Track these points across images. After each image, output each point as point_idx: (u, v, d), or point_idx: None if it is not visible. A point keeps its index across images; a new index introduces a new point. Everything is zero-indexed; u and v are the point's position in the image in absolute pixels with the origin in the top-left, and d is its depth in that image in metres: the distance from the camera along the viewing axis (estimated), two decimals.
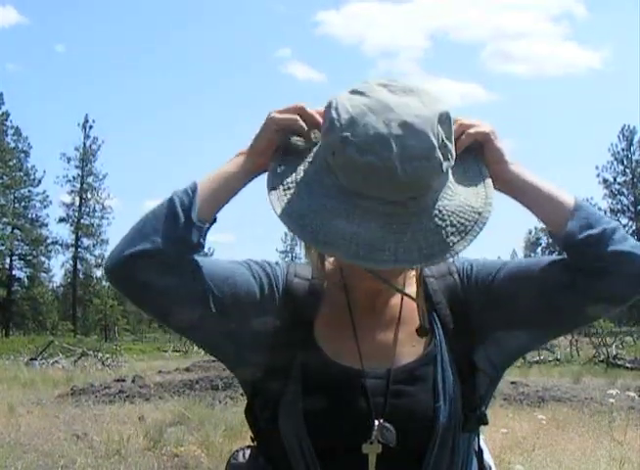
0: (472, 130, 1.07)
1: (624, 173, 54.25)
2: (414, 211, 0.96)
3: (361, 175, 0.95)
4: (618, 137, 54.16)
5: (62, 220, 52.14)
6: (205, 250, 1.12)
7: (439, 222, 0.97)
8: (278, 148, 1.08)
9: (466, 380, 1.09)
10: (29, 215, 49.90)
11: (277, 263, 1.19)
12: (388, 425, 1.03)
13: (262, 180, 1.10)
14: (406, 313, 1.14)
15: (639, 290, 1.06)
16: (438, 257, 0.97)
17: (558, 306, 1.05)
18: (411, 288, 1.16)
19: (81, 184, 52.10)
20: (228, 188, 1.10)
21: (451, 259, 1.10)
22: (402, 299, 1.14)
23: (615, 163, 54.10)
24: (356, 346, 1.10)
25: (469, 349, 1.11)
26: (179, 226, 1.04)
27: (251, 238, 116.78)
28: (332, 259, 1.17)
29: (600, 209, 53.91)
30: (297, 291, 1.14)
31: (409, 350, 1.11)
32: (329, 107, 1.00)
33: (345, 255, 0.95)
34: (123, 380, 13.20)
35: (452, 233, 0.97)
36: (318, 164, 1.03)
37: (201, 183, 1.08)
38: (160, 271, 1.04)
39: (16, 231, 48.56)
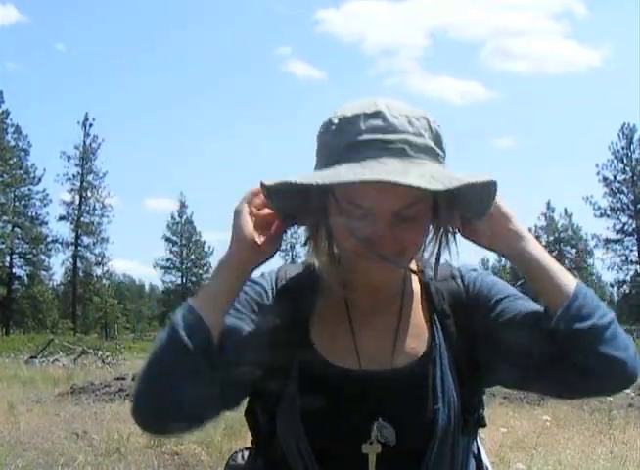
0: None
1: (624, 172, 54.19)
2: (415, 154, 0.97)
3: (354, 124, 0.99)
4: (619, 135, 54.13)
5: (62, 219, 52.19)
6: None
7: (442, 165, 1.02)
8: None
9: (465, 382, 1.09)
10: (29, 214, 49.91)
11: (262, 275, 1.17)
12: (387, 424, 1.03)
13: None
14: (406, 313, 1.13)
15: (617, 392, 1.06)
16: (463, 182, 0.94)
17: (541, 374, 1.04)
18: (413, 286, 1.15)
19: (81, 182, 52.11)
20: (230, 297, 1.07)
21: (456, 267, 1.14)
22: (403, 298, 1.13)
23: (615, 161, 54.05)
24: (354, 345, 1.09)
25: (469, 351, 1.10)
26: (202, 366, 1.00)
27: None
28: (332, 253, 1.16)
29: (600, 207, 54.29)
30: (290, 293, 1.13)
31: (409, 350, 1.10)
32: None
33: (381, 174, 0.92)
34: (123, 378, 13.20)
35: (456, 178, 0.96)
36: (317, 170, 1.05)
37: (205, 309, 1.04)
38: (190, 418, 1.05)
39: (16, 229, 48.56)
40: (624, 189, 54.33)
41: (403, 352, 1.10)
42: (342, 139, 0.99)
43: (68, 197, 52.26)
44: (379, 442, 1.03)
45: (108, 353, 22.07)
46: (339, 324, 1.11)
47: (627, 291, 56.10)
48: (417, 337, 1.11)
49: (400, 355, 1.09)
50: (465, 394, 1.08)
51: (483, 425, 1.12)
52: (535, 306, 1.09)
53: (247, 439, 1.24)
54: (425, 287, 1.16)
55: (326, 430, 1.05)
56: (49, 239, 50.94)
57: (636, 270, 55.09)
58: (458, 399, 1.07)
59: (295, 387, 1.06)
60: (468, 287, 1.15)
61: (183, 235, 65.62)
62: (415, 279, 1.17)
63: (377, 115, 0.98)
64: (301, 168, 1.07)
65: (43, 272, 51.83)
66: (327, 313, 1.13)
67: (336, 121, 1.01)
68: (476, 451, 1.18)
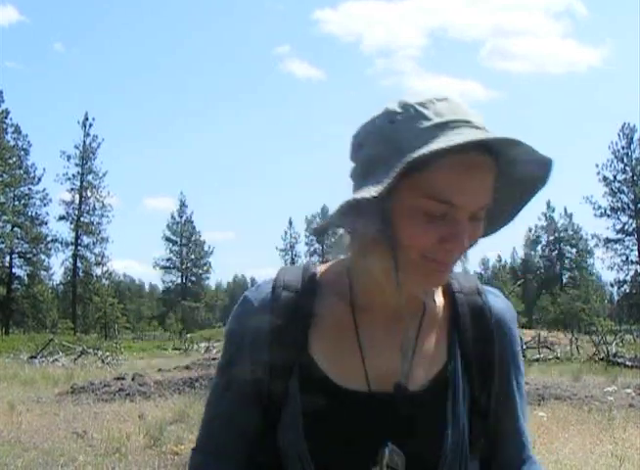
0: None
1: (624, 171, 54.20)
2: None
3: (429, 109, 0.91)
4: (619, 135, 54.16)
5: (61, 218, 52.21)
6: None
7: None
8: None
9: (478, 409, 1.05)
10: (29, 213, 49.90)
11: (258, 288, 1.08)
12: (397, 449, 0.99)
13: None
14: (424, 330, 1.06)
15: None
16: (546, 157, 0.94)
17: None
18: (438, 299, 1.09)
19: (81, 182, 52.13)
20: None
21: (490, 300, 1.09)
22: (424, 312, 1.06)
23: (615, 160, 54.08)
24: (362, 365, 1.02)
25: (485, 376, 1.06)
26: None
27: (250, 236, 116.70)
28: (344, 261, 1.07)
29: (600, 207, 54.24)
30: (287, 305, 1.05)
31: (423, 372, 1.03)
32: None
33: (486, 135, 0.87)
34: (123, 378, 13.19)
35: None
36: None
37: None
38: None
39: (16, 229, 48.54)
40: (624, 189, 54.33)
41: (417, 375, 1.03)
42: (418, 124, 0.90)
43: (67, 197, 52.37)
44: (388, 467, 0.99)
45: (107, 353, 22.08)
46: (343, 339, 1.04)
47: (627, 291, 56.09)
48: (433, 357, 1.05)
49: (413, 378, 1.02)
50: (476, 419, 1.05)
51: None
52: (519, 424, 1.12)
53: None
54: (450, 299, 1.08)
55: (333, 453, 1.00)
56: (49, 239, 51.00)
57: (636, 270, 55.13)
58: (468, 424, 1.03)
59: (297, 409, 1.01)
60: (493, 315, 1.08)
61: (183, 235, 65.64)
62: (439, 290, 1.09)
63: (446, 100, 0.92)
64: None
65: (43, 272, 51.85)
66: (330, 326, 1.05)
67: (400, 110, 0.92)
68: None
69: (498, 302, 1.10)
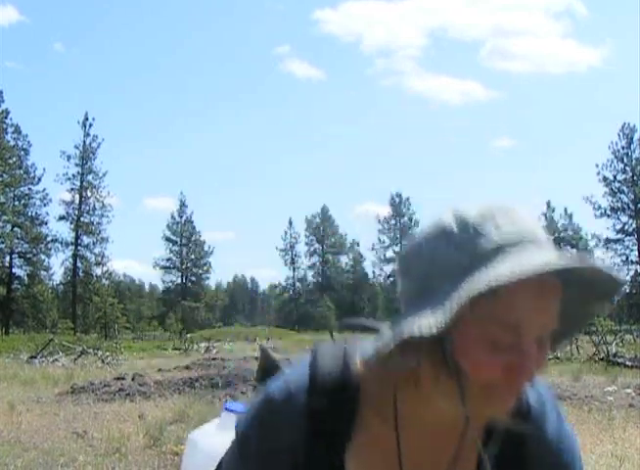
0: None
1: (624, 171, 54.21)
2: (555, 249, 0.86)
3: (486, 228, 0.83)
4: (619, 135, 54.16)
5: (61, 218, 52.23)
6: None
7: None
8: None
9: None
10: (29, 213, 49.91)
11: (289, 392, 0.96)
12: None
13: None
14: (462, 452, 0.99)
15: None
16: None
17: None
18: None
19: (81, 182, 52.14)
20: None
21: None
22: (464, 435, 0.98)
23: (615, 161, 54.08)
24: None
25: None
26: None
27: (250, 236, 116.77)
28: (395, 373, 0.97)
29: (600, 207, 54.26)
30: (323, 424, 0.95)
31: None
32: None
33: (544, 258, 0.80)
34: (123, 378, 13.19)
35: None
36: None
37: None
38: None
39: (16, 229, 48.56)
40: (624, 189, 54.34)
41: None
42: (478, 246, 0.82)
43: (67, 197, 52.38)
44: None
45: (107, 353, 22.08)
46: (384, 459, 0.96)
47: (627, 291, 56.09)
48: None
49: None
50: None
51: None
52: None
53: None
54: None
55: None
56: (49, 239, 51.02)
57: (636, 270, 55.16)
58: None
59: None
60: (540, 447, 1.00)
61: (183, 235, 65.65)
62: None
63: (506, 212, 0.85)
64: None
65: (43, 272, 51.89)
66: (369, 445, 0.97)
67: (457, 229, 0.84)
68: None
69: (551, 434, 1.01)
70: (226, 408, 1.39)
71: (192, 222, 66.12)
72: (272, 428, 0.95)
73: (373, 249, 69.45)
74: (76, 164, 52.07)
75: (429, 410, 0.93)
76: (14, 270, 49.73)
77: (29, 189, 49.76)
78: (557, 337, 0.90)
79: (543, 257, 0.79)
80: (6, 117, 47.85)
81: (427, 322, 0.79)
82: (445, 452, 0.97)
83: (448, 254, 0.83)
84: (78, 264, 52.60)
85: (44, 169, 50.58)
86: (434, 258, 0.84)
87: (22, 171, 48.83)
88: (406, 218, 68.75)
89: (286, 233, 71.66)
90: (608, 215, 54.82)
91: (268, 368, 1.22)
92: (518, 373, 0.83)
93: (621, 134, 53.96)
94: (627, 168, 53.96)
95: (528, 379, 0.85)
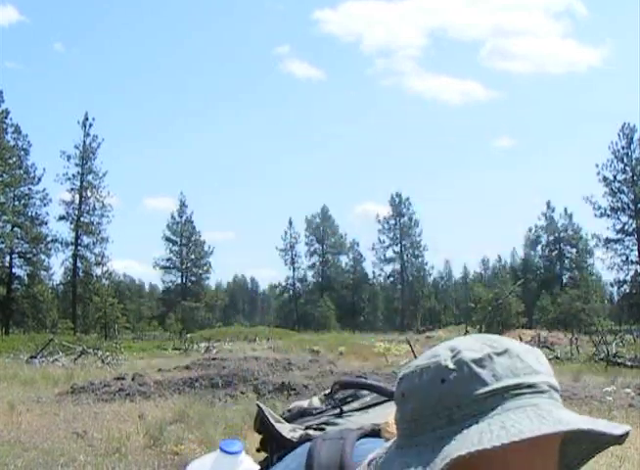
0: None
1: (624, 171, 54.19)
2: (555, 396, 0.83)
3: (485, 367, 0.80)
4: (619, 135, 54.15)
5: (61, 218, 52.22)
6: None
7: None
8: None
9: None
10: (29, 213, 49.90)
11: None
12: None
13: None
14: None
15: None
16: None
17: None
18: None
19: (81, 182, 52.13)
20: None
21: None
22: None
23: (615, 161, 54.06)
24: None
25: None
26: None
27: (250, 236, 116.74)
28: None
29: (600, 207, 54.26)
30: None
31: None
32: None
33: (556, 424, 0.76)
34: (123, 378, 13.19)
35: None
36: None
37: None
38: None
39: (16, 229, 48.54)
40: (624, 189, 54.33)
41: None
42: (472, 389, 0.79)
43: (67, 196, 52.35)
44: None
45: (107, 353, 22.07)
46: None
47: (627, 291, 56.07)
48: None
49: None
50: None
51: None
52: None
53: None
54: None
55: None
56: (49, 239, 51.01)
57: (636, 270, 55.11)
58: None
59: None
60: None
61: (183, 235, 65.64)
62: None
63: (506, 352, 0.82)
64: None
65: (43, 272, 51.86)
66: None
67: (453, 366, 0.81)
68: None
69: None
70: (221, 449, 1.32)
71: (192, 222, 66.13)
72: None
73: (373, 249, 69.41)
74: (76, 164, 52.11)
75: None
76: (14, 270, 49.77)
77: (29, 189, 49.78)
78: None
79: (538, 414, 0.76)
80: (6, 117, 47.85)
81: None
82: None
83: (441, 393, 0.80)
84: (78, 264, 52.61)
85: (44, 169, 50.59)
86: (429, 394, 0.81)
87: (22, 171, 48.82)
88: (406, 218, 68.72)
89: (286, 233, 71.68)
90: (608, 215, 54.83)
91: (262, 433, 1.18)
92: None
93: (621, 134, 53.98)
94: (627, 168, 53.95)
95: None
